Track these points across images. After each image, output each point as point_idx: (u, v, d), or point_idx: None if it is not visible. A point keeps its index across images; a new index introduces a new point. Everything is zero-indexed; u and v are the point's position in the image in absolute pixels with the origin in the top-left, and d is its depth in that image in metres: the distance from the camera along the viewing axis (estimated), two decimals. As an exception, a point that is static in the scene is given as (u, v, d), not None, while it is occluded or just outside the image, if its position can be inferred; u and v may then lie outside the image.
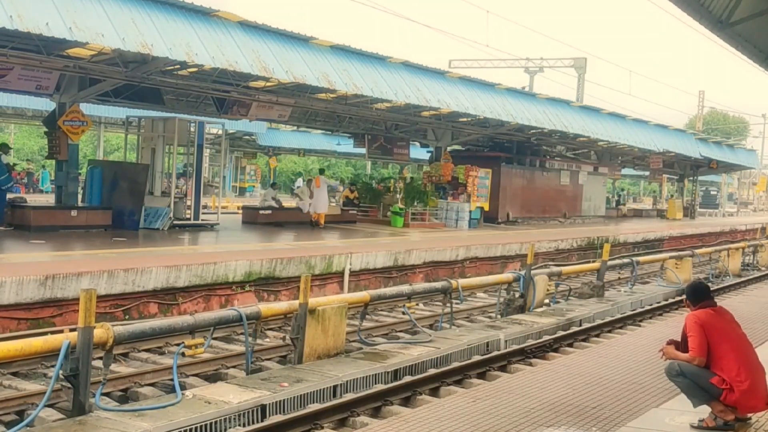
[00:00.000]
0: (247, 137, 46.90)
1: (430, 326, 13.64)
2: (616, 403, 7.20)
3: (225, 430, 7.62)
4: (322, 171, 31.16)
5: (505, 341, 12.09)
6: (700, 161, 43.47)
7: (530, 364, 10.94)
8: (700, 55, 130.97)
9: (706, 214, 57.03)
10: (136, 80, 17.82)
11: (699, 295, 6.52)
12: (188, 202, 21.69)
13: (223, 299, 14.30)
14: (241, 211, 27.09)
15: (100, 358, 7.92)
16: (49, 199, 25.41)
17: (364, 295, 11.67)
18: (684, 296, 6.58)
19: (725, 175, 65.04)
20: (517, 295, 14.78)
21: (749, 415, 6.45)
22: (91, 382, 7.57)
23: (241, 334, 10.66)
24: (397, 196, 28.22)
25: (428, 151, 33.08)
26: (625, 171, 51.06)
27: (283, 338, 11.71)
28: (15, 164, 27.17)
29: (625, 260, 19.75)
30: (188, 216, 21.43)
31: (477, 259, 21.24)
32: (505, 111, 25.30)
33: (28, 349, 7.52)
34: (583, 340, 13.01)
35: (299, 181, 48.07)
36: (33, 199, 25.88)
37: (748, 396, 6.19)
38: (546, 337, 12.58)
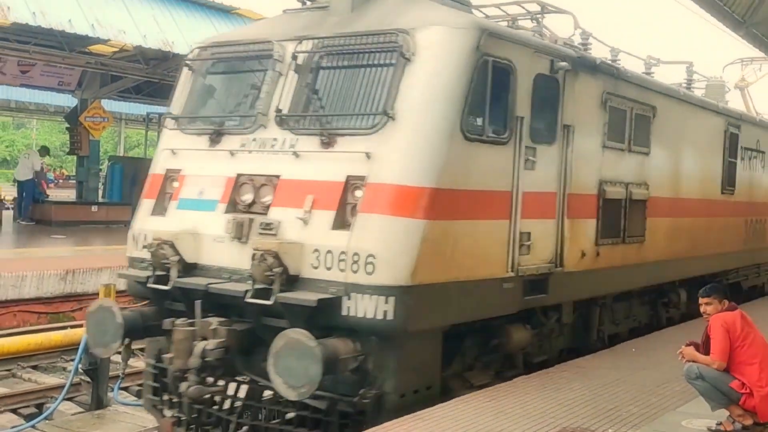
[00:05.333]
0: (265, 134, 46.92)
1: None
2: (632, 405, 7.15)
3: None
4: None
5: (522, 341, 12.01)
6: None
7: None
8: (715, 53, 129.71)
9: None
10: (157, 77, 17.93)
11: (724, 295, 6.43)
12: (207, 199, 21.73)
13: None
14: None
15: (119, 352, 7.98)
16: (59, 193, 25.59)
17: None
18: (709, 294, 6.39)
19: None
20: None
21: (768, 420, 6.37)
22: (110, 376, 7.63)
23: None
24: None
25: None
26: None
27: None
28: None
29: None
30: (207, 212, 21.48)
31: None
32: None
33: (47, 343, 7.63)
34: (601, 341, 12.92)
35: None
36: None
37: (768, 401, 6.12)
38: (563, 338, 12.49)
